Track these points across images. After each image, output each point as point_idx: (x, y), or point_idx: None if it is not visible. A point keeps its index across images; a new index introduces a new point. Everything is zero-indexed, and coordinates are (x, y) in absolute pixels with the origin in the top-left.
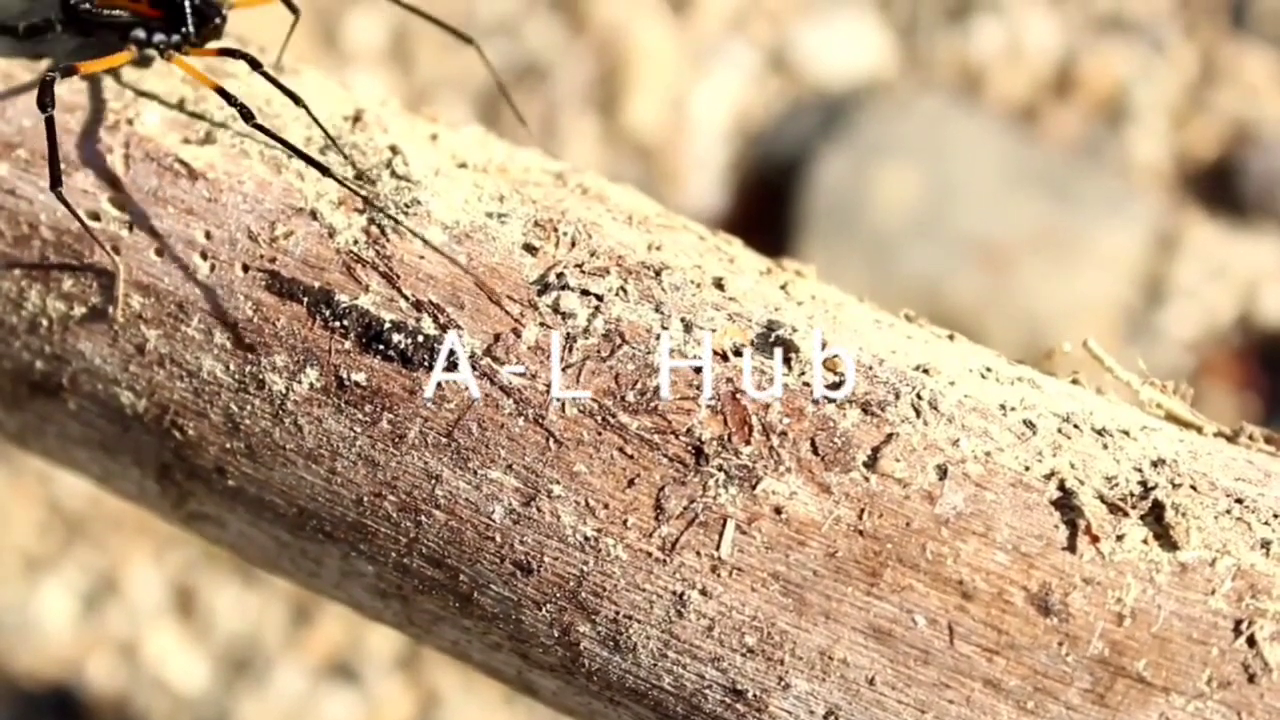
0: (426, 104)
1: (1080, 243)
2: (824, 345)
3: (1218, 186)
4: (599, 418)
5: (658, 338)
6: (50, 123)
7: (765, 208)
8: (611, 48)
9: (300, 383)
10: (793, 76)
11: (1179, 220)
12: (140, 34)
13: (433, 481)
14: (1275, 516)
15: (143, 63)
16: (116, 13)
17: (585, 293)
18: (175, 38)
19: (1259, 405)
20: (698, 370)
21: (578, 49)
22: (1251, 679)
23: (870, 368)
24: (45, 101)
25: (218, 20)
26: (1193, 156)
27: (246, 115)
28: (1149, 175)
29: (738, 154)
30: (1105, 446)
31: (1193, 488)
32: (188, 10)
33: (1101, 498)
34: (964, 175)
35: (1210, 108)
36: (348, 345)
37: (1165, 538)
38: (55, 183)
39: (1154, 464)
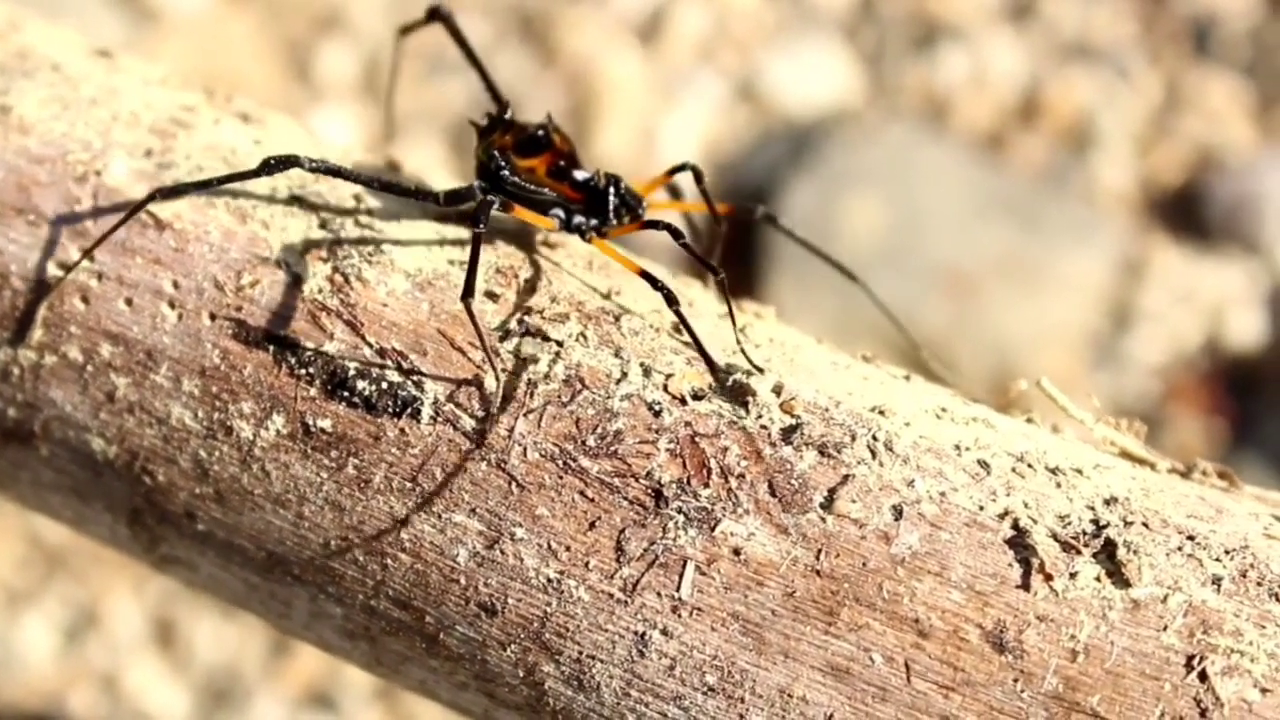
0: (399, 137)
1: (1047, 269)
2: (779, 388)
3: (1183, 212)
4: (560, 462)
5: (617, 382)
6: (478, 239)
7: (734, 237)
8: (581, 79)
9: (267, 429)
10: (761, 106)
11: (1145, 246)
12: (560, 213)
13: (398, 525)
14: (1226, 553)
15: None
16: (542, 191)
17: (546, 339)
18: (594, 221)
19: (1226, 430)
20: (657, 414)
21: (548, 81)
22: (1204, 714)
23: (826, 409)
24: (480, 219)
25: (640, 211)
26: (1158, 182)
27: (671, 300)
28: (1114, 201)
29: (707, 183)
30: (1059, 485)
31: (1145, 525)
32: (610, 199)
33: (1055, 536)
34: (931, 203)
35: (1174, 133)
36: (313, 392)
37: (1118, 575)
38: (467, 293)
39: (1106, 502)
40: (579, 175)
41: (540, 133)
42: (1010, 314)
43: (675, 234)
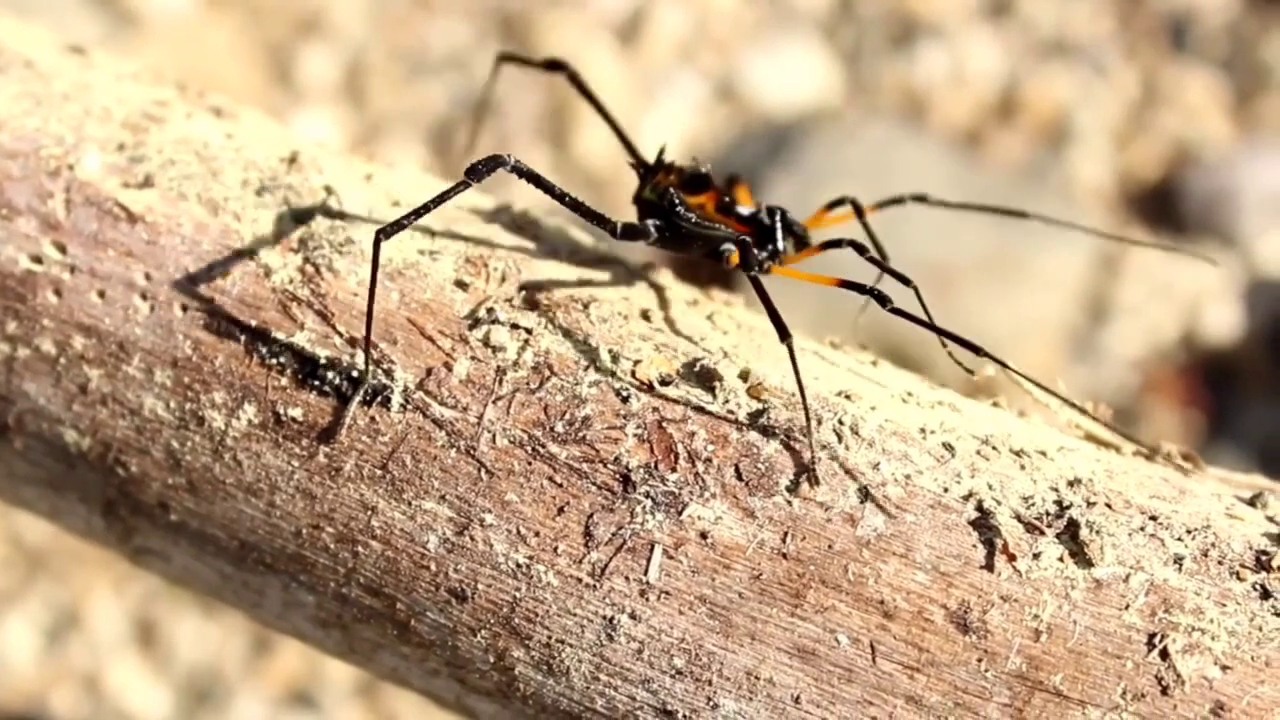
0: (379, 139)
1: (1025, 265)
2: (746, 374)
3: (1159, 206)
4: (529, 448)
5: (586, 369)
6: (760, 286)
7: None
8: (561, 80)
9: (239, 419)
10: (740, 105)
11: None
12: (730, 248)
13: (369, 513)
14: (1189, 532)
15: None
16: (715, 226)
17: (515, 326)
18: (763, 254)
19: (1202, 421)
20: (624, 400)
21: (528, 81)
22: (1165, 691)
23: (793, 394)
24: (752, 265)
25: (807, 238)
26: (1135, 177)
27: (883, 300)
28: (1092, 196)
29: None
30: (1023, 467)
31: (1108, 506)
32: (777, 231)
33: (1018, 517)
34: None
35: (1151, 129)
36: (284, 381)
37: (1080, 555)
38: (784, 335)
39: (1070, 483)
40: (745, 210)
41: (704, 170)
42: (989, 309)
43: (860, 249)
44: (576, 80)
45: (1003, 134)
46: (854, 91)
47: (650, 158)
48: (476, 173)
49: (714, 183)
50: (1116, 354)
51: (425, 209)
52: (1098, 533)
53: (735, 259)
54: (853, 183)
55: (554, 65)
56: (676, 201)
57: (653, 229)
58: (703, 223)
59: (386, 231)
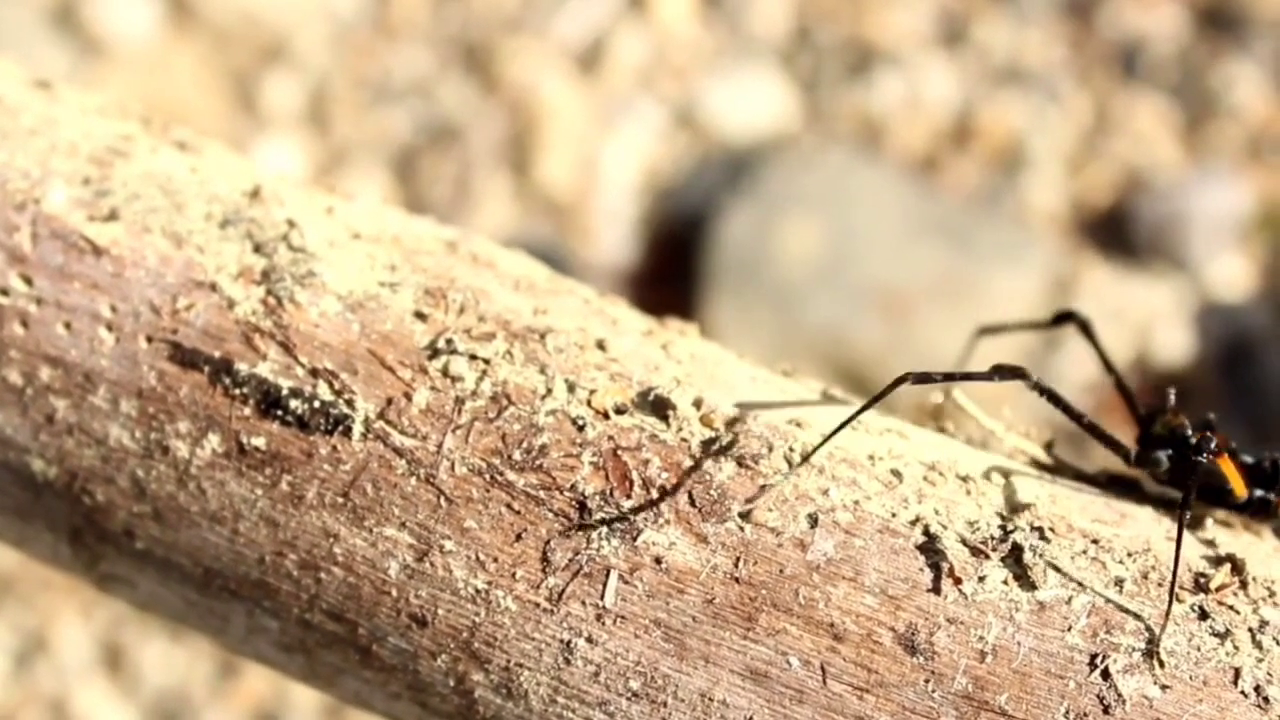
0: (343, 166)
1: (979, 289)
2: (699, 402)
3: (1112, 231)
4: (487, 476)
5: (543, 398)
6: (1180, 527)
7: (674, 261)
8: (522, 107)
9: (203, 448)
10: (699, 132)
11: (1075, 265)
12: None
13: (331, 540)
14: (1129, 555)
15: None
16: (1221, 472)
17: (473, 357)
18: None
19: None
20: (580, 428)
21: (490, 109)
22: (1106, 710)
23: (744, 422)
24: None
25: None
26: (1087, 203)
27: None
28: (1045, 222)
29: (647, 209)
30: (968, 492)
31: (1051, 529)
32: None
33: (964, 541)
34: (866, 226)
35: (1104, 155)
36: (247, 411)
37: (1024, 578)
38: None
39: (1014, 508)
40: (1248, 457)
41: (1211, 417)
42: (944, 333)
43: None
44: (1088, 331)
45: (957, 160)
46: (811, 118)
47: None
48: (1002, 373)
49: (1216, 430)
50: (1070, 378)
51: (954, 377)
52: (1041, 556)
53: None
54: (810, 208)
55: (1066, 317)
56: (1196, 443)
57: (1165, 460)
58: (1215, 465)
59: (917, 378)
